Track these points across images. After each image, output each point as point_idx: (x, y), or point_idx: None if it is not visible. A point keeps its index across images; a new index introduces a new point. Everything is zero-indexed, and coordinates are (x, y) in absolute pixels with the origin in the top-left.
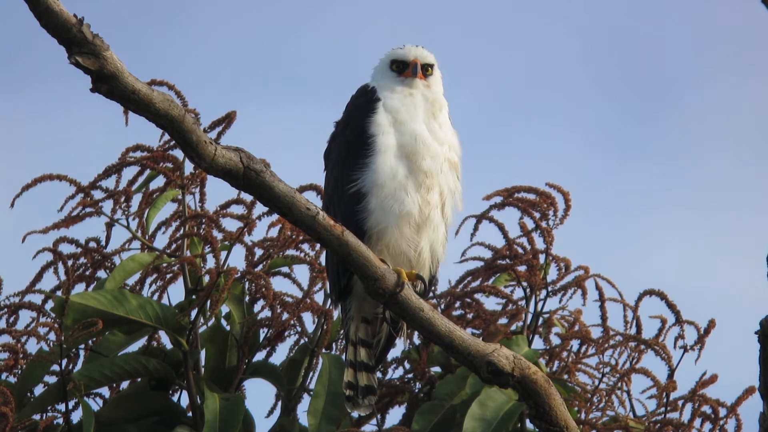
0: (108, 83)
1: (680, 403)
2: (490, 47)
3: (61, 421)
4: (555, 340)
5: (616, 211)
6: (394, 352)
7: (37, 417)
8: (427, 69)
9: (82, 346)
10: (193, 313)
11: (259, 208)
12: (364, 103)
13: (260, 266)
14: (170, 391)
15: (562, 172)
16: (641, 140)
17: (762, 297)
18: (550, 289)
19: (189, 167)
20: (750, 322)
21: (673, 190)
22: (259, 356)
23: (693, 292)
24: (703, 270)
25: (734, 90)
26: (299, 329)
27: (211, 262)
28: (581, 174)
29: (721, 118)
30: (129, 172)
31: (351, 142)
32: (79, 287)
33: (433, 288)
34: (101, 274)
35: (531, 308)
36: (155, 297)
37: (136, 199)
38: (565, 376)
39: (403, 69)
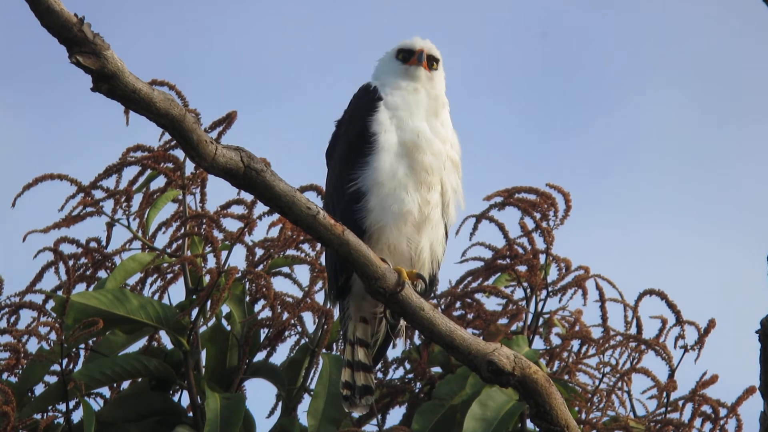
0: (109, 83)
1: (681, 403)
2: None
3: (61, 420)
4: (555, 341)
5: None
6: (395, 353)
7: (37, 416)
8: (432, 63)
9: (83, 345)
10: (194, 312)
11: (260, 208)
12: (365, 102)
13: (261, 266)
14: (171, 391)
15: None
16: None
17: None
18: (550, 289)
19: (190, 167)
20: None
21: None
22: (260, 356)
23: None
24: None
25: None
26: (300, 329)
27: (211, 262)
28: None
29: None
30: (130, 172)
31: (352, 141)
32: (80, 287)
33: (434, 288)
34: (102, 273)
35: (531, 308)
36: (156, 297)
37: (137, 199)
38: (566, 376)
39: (409, 57)
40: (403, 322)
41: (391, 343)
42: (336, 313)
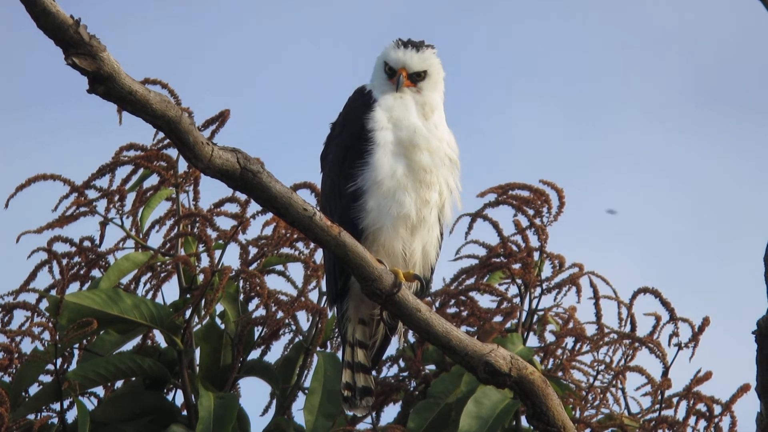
0: (105, 84)
1: (675, 400)
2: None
3: (56, 420)
4: (550, 338)
5: None
6: (389, 350)
7: (32, 417)
8: (419, 75)
9: (77, 345)
10: (188, 312)
11: (254, 207)
12: (361, 104)
13: (255, 265)
14: (165, 390)
15: None
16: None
17: None
18: (544, 286)
19: (183, 166)
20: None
21: None
22: (254, 355)
23: None
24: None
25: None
26: (294, 327)
27: (205, 261)
28: None
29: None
30: (123, 171)
31: (349, 142)
32: (74, 286)
33: (428, 289)
34: (96, 273)
35: (526, 306)
36: (150, 296)
37: (130, 198)
38: (560, 374)
39: (392, 75)
40: (401, 324)
41: (389, 342)
42: (331, 312)
